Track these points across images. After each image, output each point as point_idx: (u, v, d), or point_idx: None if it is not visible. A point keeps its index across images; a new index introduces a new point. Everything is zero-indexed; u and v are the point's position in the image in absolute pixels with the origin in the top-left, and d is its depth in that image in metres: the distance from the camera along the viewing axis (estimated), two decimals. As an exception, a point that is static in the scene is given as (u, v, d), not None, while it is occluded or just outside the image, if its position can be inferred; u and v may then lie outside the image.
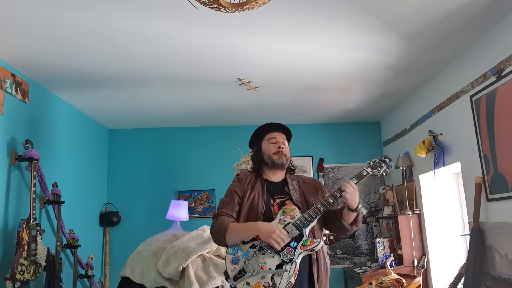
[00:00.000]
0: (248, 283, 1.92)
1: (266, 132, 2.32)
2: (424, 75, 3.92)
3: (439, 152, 3.77)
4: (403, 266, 4.28)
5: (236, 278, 1.94)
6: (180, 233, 3.84)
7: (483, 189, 3.15)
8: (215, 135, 5.55)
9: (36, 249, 3.17)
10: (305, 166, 5.46)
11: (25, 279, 3.04)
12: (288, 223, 2.00)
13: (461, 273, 3.37)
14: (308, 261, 2.06)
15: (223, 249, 3.32)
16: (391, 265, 4.16)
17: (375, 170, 2.20)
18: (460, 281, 3.37)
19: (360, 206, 2.09)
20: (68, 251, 4.06)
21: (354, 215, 2.09)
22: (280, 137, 2.30)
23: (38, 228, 3.24)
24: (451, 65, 3.62)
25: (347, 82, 4.04)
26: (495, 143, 2.97)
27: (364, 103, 4.76)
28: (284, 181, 2.25)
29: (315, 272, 2.05)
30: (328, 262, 2.17)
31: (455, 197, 4.14)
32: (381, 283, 3.84)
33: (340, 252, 5.27)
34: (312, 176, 2.41)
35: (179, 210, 4.44)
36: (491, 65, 3.02)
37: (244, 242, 2.02)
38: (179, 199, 5.09)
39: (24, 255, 3.06)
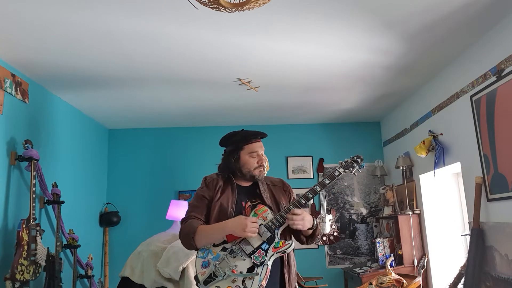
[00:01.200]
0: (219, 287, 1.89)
1: (246, 142, 2.17)
2: (424, 75, 3.92)
3: (439, 152, 3.77)
4: (403, 266, 4.28)
5: (206, 282, 1.91)
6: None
7: (483, 189, 3.15)
8: (215, 135, 5.51)
9: (36, 249, 3.16)
10: (305, 166, 5.46)
11: (25, 279, 3.04)
12: (260, 225, 1.96)
13: (461, 273, 3.37)
14: (280, 264, 2.03)
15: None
16: (391, 265, 4.16)
17: (347, 170, 2.15)
18: (460, 281, 3.37)
19: (315, 223, 2.04)
20: (68, 251, 4.06)
21: (310, 231, 2.06)
22: (260, 148, 2.17)
23: (38, 228, 3.24)
24: (451, 65, 3.62)
25: (347, 82, 4.04)
26: (495, 143, 2.97)
27: (364, 103, 4.76)
28: (255, 184, 2.18)
29: (286, 275, 2.03)
30: (295, 266, 2.14)
31: (455, 197, 4.14)
32: (381, 283, 3.84)
33: (340, 252, 5.27)
34: (280, 178, 2.36)
35: (179, 210, 4.44)
36: (491, 65, 3.01)
37: (214, 245, 1.97)
38: (179, 199, 5.09)
39: (24, 255, 3.06)
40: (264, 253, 1.92)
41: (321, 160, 5.47)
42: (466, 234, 3.47)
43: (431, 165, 3.92)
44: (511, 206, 2.84)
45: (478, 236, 3.14)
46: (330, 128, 5.60)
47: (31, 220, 3.18)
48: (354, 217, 5.37)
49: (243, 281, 1.87)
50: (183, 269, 3.14)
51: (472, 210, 3.22)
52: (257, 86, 4.03)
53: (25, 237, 3.10)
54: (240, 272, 1.89)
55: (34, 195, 3.27)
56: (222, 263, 1.92)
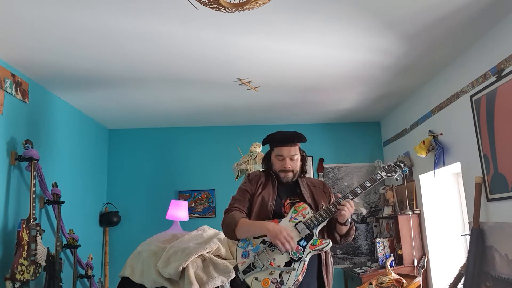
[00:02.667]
0: (257, 278, 1.94)
1: (275, 145, 2.24)
2: (424, 75, 3.92)
3: (439, 152, 3.77)
4: (403, 266, 4.28)
5: (245, 272, 1.97)
6: (180, 233, 3.84)
7: (483, 189, 3.15)
8: (215, 135, 5.55)
9: (36, 249, 3.17)
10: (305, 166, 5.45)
11: (25, 279, 3.04)
12: (299, 222, 2.03)
13: (461, 273, 3.37)
14: (318, 262, 2.09)
15: (223, 250, 3.32)
16: (391, 265, 4.16)
17: (389, 175, 2.17)
18: (460, 281, 3.37)
19: (349, 219, 2.10)
20: (68, 251, 4.06)
21: (345, 228, 2.12)
22: (288, 152, 2.19)
23: (38, 228, 3.24)
24: (451, 65, 3.62)
25: (347, 82, 4.04)
26: (495, 143, 2.97)
27: (364, 103, 4.76)
28: (296, 183, 2.24)
29: (324, 274, 2.09)
30: (333, 266, 2.21)
31: (455, 197, 4.14)
32: (381, 283, 3.84)
33: (340, 252, 5.27)
34: (321, 180, 2.41)
35: (179, 210, 4.43)
36: (491, 65, 3.02)
37: (254, 237, 2.03)
38: (179, 199, 5.09)
39: (24, 255, 3.06)
40: (302, 250, 1.98)
41: (321, 160, 5.47)
42: (466, 234, 3.47)
43: (431, 165, 3.92)
44: (511, 206, 2.84)
45: (478, 236, 3.14)
46: (330, 128, 5.61)
47: (31, 220, 3.18)
48: (354, 217, 5.37)
49: (280, 274, 1.93)
50: (183, 269, 3.13)
51: (472, 210, 3.22)
52: (257, 86, 4.03)
53: (25, 237, 3.10)
54: (278, 266, 1.95)
55: (34, 195, 3.27)
56: (261, 255, 1.97)
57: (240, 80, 3.84)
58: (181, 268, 3.10)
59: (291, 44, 3.14)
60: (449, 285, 3.46)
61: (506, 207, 2.90)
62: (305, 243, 1.99)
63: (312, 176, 5.43)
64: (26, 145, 3.31)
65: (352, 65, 3.60)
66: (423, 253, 4.29)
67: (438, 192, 4.23)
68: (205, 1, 1.82)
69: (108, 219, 5.03)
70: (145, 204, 5.29)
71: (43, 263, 3.28)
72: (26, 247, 3.09)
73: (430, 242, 4.20)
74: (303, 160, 2.27)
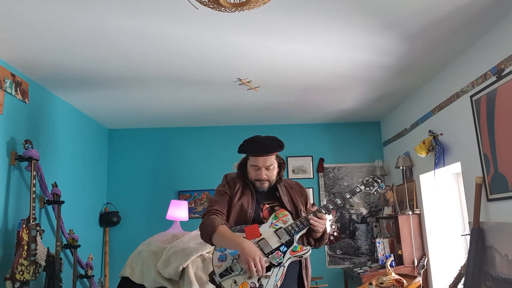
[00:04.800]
0: (235, 282, 1.91)
1: (250, 154, 2.17)
2: (424, 75, 3.92)
3: (439, 152, 3.77)
4: (403, 266, 4.28)
5: (222, 275, 1.94)
6: (180, 233, 3.84)
7: (483, 189, 3.15)
8: (215, 135, 5.55)
9: (36, 249, 3.16)
10: (305, 166, 5.46)
11: (25, 279, 3.04)
12: (280, 228, 2.03)
13: (461, 273, 3.37)
14: (299, 266, 2.10)
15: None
16: (391, 265, 4.16)
17: (368, 189, 2.28)
18: (460, 281, 3.37)
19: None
20: (68, 251, 4.06)
21: (319, 234, 2.14)
22: (264, 163, 2.13)
23: (38, 228, 3.24)
24: (451, 65, 3.62)
25: (347, 82, 4.04)
26: (495, 143, 2.97)
27: (364, 103, 4.76)
28: (274, 187, 2.21)
29: (305, 277, 2.11)
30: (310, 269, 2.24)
31: (455, 197, 4.14)
32: (381, 283, 3.84)
33: (340, 252, 5.27)
34: (297, 181, 2.40)
35: (179, 210, 4.44)
36: (491, 65, 3.01)
37: None
38: (179, 199, 5.09)
39: (24, 255, 3.06)
40: (282, 255, 1.97)
41: (321, 160, 5.47)
42: (466, 234, 3.47)
43: (431, 165, 3.92)
44: (511, 206, 2.84)
45: (478, 236, 3.14)
46: (330, 128, 5.60)
47: (31, 220, 3.18)
48: (354, 217, 5.37)
49: (259, 279, 1.91)
50: (183, 269, 3.14)
51: (472, 210, 3.22)
52: (257, 86, 4.03)
53: (25, 237, 3.10)
54: None
55: (34, 195, 3.27)
56: (240, 259, 1.94)
57: (240, 80, 3.84)
58: (181, 268, 3.10)
59: (291, 44, 3.14)
60: (449, 285, 3.46)
61: (506, 207, 2.90)
62: (285, 249, 1.99)
63: (312, 177, 5.43)
64: (26, 145, 3.31)
65: (352, 65, 3.60)
66: (423, 253, 4.28)
67: (438, 192, 4.23)
68: (205, 1, 1.82)
69: (108, 219, 5.03)
70: (145, 204, 5.29)
71: (43, 263, 3.28)
72: (26, 247, 3.09)
73: (430, 242, 4.20)
74: (280, 167, 2.22)
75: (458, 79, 3.50)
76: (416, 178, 4.43)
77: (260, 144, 2.14)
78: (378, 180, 2.31)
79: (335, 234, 5.25)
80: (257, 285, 1.89)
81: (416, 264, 4.25)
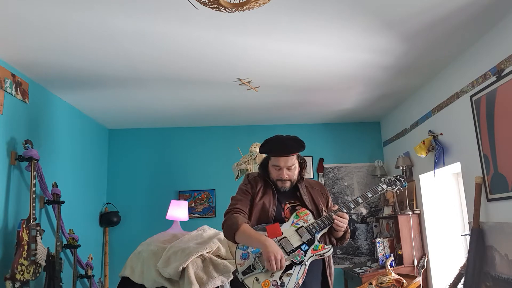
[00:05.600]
0: (257, 279, 1.94)
1: (272, 154, 2.18)
2: (424, 75, 3.92)
3: (439, 152, 3.77)
4: (403, 266, 4.28)
5: (245, 273, 1.96)
6: (180, 233, 3.84)
7: (483, 189, 3.15)
8: (215, 135, 5.55)
9: (36, 249, 3.16)
10: (305, 166, 5.46)
11: (25, 279, 3.04)
12: (301, 227, 2.05)
13: (461, 273, 3.37)
14: (322, 265, 2.13)
15: (223, 250, 3.32)
16: (391, 265, 4.16)
17: (390, 187, 2.27)
18: (460, 281, 3.37)
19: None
20: (68, 251, 4.06)
21: (341, 233, 2.16)
22: (285, 163, 2.14)
23: (38, 228, 3.24)
24: (451, 65, 3.62)
25: (347, 82, 4.04)
26: (495, 143, 2.97)
27: (364, 103, 4.76)
28: (295, 186, 2.23)
29: (329, 276, 2.13)
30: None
31: (455, 197, 4.14)
32: (381, 283, 3.84)
33: (340, 252, 5.27)
34: (318, 180, 2.43)
35: (179, 210, 4.43)
36: (491, 65, 3.02)
37: None
38: (179, 199, 5.09)
39: (24, 255, 3.06)
40: (304, 254, 1.99)
41: (321, 160, 5.47)
42: (466, 234, 3.47)
43: (431, 165, 3.92)
44: (511, 206, 2.84)
45: (478, 236, 3.14)
46: (330, 128, 5.61)
47: (31, 220, 3.18)
48: (354, 217, 5.37)
49: (280, 277, 1.93)
50: (183, 269, 3.13)
51: (472, 210, 3.22)
52: (257, 86, 4.03)
53: (25, 237, 3.10)
54: None
55: (34, 195, 3.27)
56: (262, 257, 1.95)
57: (240, 80, 3.84)
58: (181, 268, 3.10)
59: (291, 44, 3.14)
60: (449, 285, 3.46)
61: (506, 207, 2.90)
62: (306, 247, 2.01)
63: (312, 177, 5.43)
64: (26, 145, 3.31)
65: (352, 65, 3.60)
66: (423, 253, 4.29)
67: (438, 192, 4.23)
68: (205, 1, 1.82)
69: (108, 219, 5.03)
70: (145, 204, 5.29)
71: (43, 263, 3.28)
72: (26, 247, 3.09)
73: (430, 242, 4.20)
74: (302, 166, 2.23)
75: (458, 79, 3.50)
76: (416, 178, 4.43)
77: (282, 145, 2.15)
78: (401, 179, 2.30)
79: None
80: (279, 283, 1.92)
81: (416, 264, 4.25)
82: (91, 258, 4.25)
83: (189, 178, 5.38)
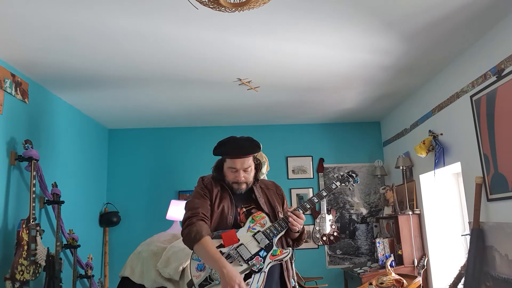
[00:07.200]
0: None
1: (228, 156, 2.13)
2: (424, 75, 3.92)
3: (439, 152, 3.77)
4: (403, 266, 4.28)
5: (201, 285, 1.88)
6: (180, 233, 3.84)
7: (483, 189, 3.15)
8: (215, 135, 5.52)
9: (36, 249, 3.16)
10: (305, 166, 5.46)
11: (25, 279, 3.04)
12: (258, 231, 1.99)
13: (461, 273, 3.37)
14: (280, 268, 2.07)
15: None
16: (391, 265, 4.16)
17: (343, 184, 2.27)
18: (460, 281, 3.37)
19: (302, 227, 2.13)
20: (68, 251, 4.06)
21: (297, 234, 2.13)
22: (242, 165, 2.08)
23: (38, 228, 3.24)
24: (451, 65, 3.62)
25: (347, 82, 4.03)
26: (495, 143, 2.97)
27: (364, 103, 4.76)
28: (250, 189, 2.17)
29: (287, 279, 2.07)
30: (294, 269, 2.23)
31: (455, 197, 4.14)
32: (381, 283, 3.84)
33: (340, 252, 5.27)
34: (273, 181, 2.37)
35: (179, 210, 4.43)
36: (491, 65, 3.01)
37: None
38: (179, 199, 5.09)
39: (24, 255, 3.06)
40: (262, 260, 1.93)
41: (321, 160, 5.47)
42: (466, 234, 3.47)
43: (431, 165, 3.92)
44: (511, 206, 2.84)
45: (478, 236, 3.14)
46: (330, 128, 5.60)
47: (31, 220, 3.18)
48: (354, 217, 5.37)
49: None
50: (183, 269, 3.13)
51: (472, 210, 3.22)
52: (257, 86, 4.03)
53: (25, 237, 3.10)
54: None
55: (34, 195, 3.27)
56: None
57: (240, 80, 3.84)
58: (181, 268, 3.10)
59: (291, 44, 3.14)
60: (449, 285, 3.46)
61: (506, 207, 2.90)
62: (265, 253, 1.94)
63: (312, 177, 5.43)
64: (26, 145, 3.30)
65: (352, 65, 3.60)
66: (423, 253, 4.28)
67: (438, 192, 4.23)
68: (205, 1, 1.82)
69: (108, 219, 5.02)
70: (145, 204, 5.29)
71: (43, 263, 3.28)
72: (26, 247, 3.09)
73: (430, 242, 4.20)
74: (257, 168, 2.18)
75: (458, 79, 3.50)
76: (416, 178, 4.43)
77: (238, 146, 2.09)
78: (353, 174, 2.30)
79: (335, 234, 5.24)
80: None
81: (416, 264, 4.25)
82: (91, 258, 4.24)
83: (189, 178, 5.38)
